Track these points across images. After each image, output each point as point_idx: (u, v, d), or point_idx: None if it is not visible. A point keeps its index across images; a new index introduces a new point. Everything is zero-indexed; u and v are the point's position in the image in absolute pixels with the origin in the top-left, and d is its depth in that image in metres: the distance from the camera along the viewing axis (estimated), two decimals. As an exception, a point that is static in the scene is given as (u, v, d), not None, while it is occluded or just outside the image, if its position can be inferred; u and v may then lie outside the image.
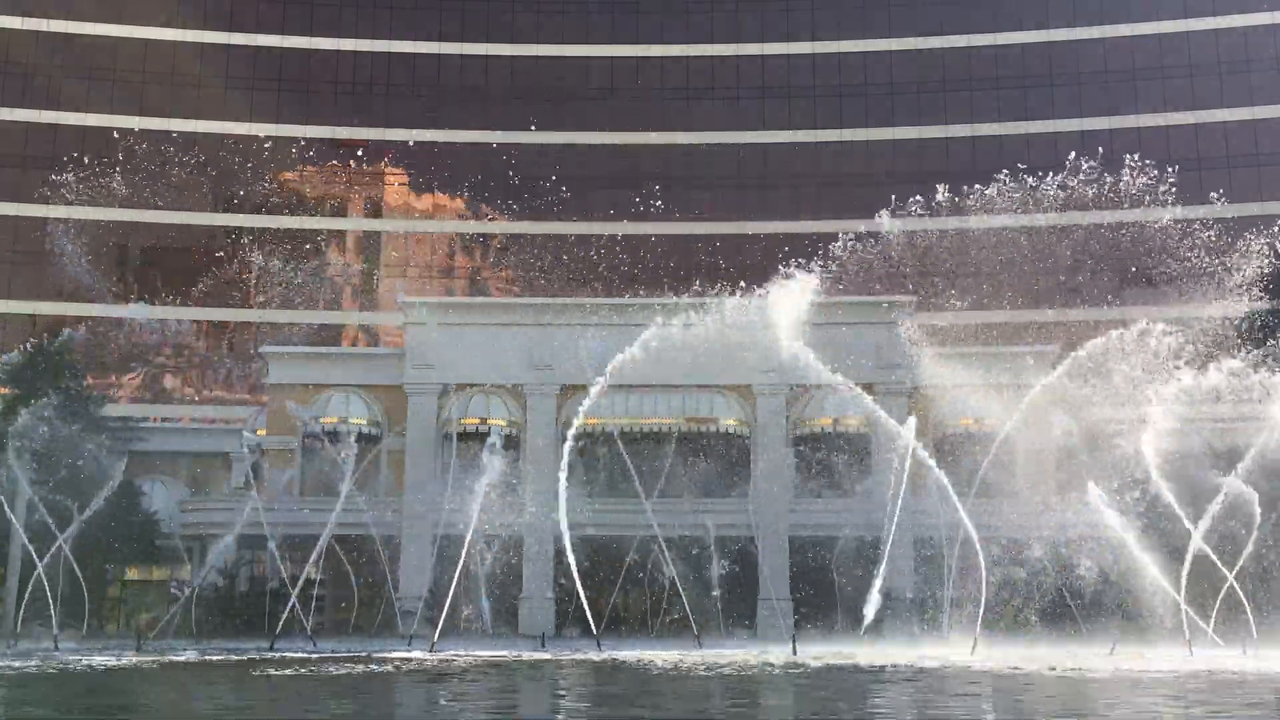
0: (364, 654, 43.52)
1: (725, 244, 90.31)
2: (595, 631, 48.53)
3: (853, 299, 61.83)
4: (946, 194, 64.86)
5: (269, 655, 42.44)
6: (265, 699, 28.58)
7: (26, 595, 52.45)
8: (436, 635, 46.94)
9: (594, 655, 42.82)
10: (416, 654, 43.13)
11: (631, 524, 57.17)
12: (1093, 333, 50.70)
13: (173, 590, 61.53)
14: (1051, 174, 66.54)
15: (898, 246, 71.90)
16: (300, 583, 53.48)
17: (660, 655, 42.45)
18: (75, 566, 53.28)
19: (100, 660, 40.39)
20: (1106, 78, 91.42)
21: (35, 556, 51.94)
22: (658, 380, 58.66)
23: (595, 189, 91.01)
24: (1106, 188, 67.69)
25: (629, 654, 43.37)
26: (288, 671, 35.20)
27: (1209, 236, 63.26)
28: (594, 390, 50.29)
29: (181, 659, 40.81)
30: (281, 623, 51.62)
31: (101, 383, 78.51)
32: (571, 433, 51.86)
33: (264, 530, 55.95)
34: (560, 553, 52.02)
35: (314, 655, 43.07)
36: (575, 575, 47.71)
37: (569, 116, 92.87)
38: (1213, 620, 47.15)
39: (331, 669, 35.79)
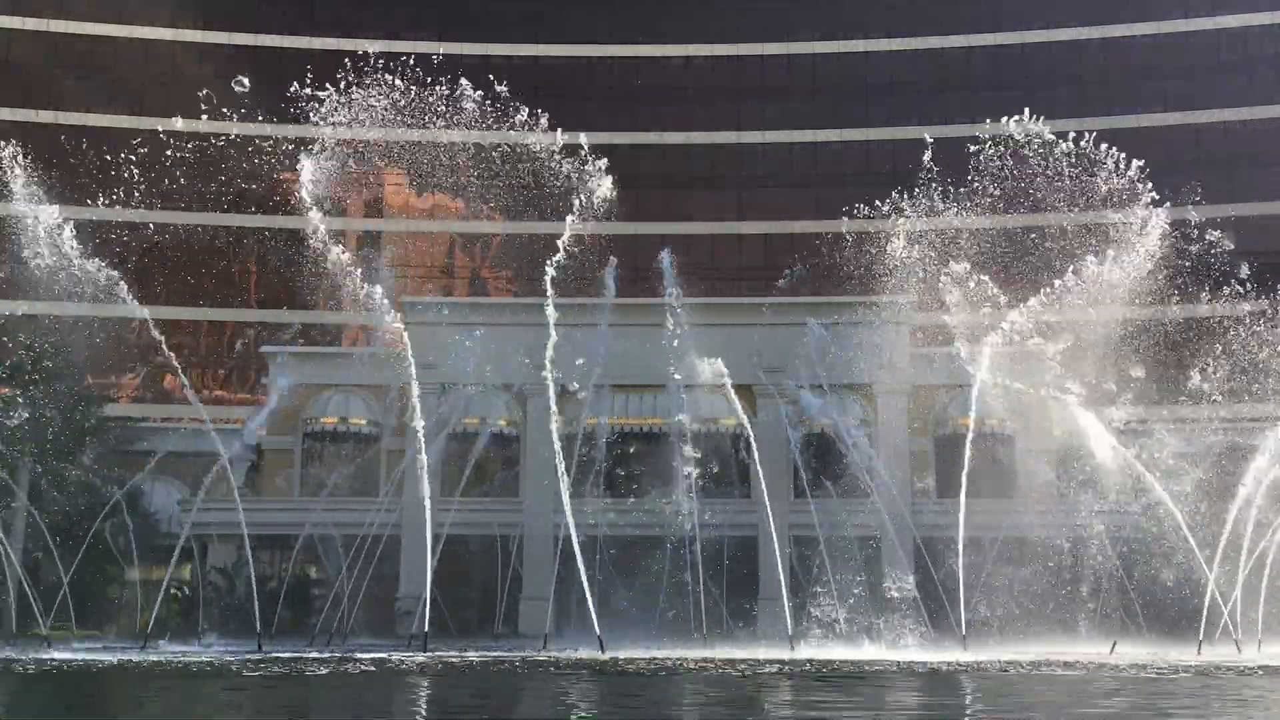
0: (355, 655, 43.32)
1: (726, 244, 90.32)
2: (598, 631, 48.37)
3: (853, 299, 61.61)
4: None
5: (259, 656, 42.19)
6: (234, 703, 28.49)
7: (13, 595, 52.30)
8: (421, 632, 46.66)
9: (597, 655, 42.76)
10: (415, 656, 42.98)
11: (631, 523, 57.04)
12: None
13: (172, 590, 61.40)
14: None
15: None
16: (287, 582, 53.40)
17: (661, 654, 42.42)
18: (75, 567, 53.13)
19: (96, 660, 40.34)
20: (1106, 77, 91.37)
21: (34, 556, 51.88)
22: (658, 380, 58.51)
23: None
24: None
25: (631, 653, 43.33)
26: (257, 672, 35.14)
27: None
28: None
29: (176, 660, 40.72)
30: (275, 624, 51.46)
31: (102, 383, 78.41)
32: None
33: (263, 530, 55.79)
34: (561, 552, 51.90)
35: (305, 656, 42.95)
36: (583, 574, 47.60)
37: (569, 116, 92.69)
38: (1203, 618, 46.85)
39: (321, 670, 35.70)
